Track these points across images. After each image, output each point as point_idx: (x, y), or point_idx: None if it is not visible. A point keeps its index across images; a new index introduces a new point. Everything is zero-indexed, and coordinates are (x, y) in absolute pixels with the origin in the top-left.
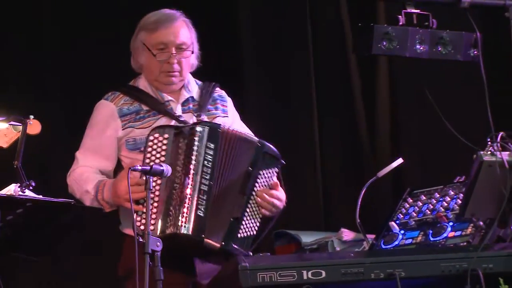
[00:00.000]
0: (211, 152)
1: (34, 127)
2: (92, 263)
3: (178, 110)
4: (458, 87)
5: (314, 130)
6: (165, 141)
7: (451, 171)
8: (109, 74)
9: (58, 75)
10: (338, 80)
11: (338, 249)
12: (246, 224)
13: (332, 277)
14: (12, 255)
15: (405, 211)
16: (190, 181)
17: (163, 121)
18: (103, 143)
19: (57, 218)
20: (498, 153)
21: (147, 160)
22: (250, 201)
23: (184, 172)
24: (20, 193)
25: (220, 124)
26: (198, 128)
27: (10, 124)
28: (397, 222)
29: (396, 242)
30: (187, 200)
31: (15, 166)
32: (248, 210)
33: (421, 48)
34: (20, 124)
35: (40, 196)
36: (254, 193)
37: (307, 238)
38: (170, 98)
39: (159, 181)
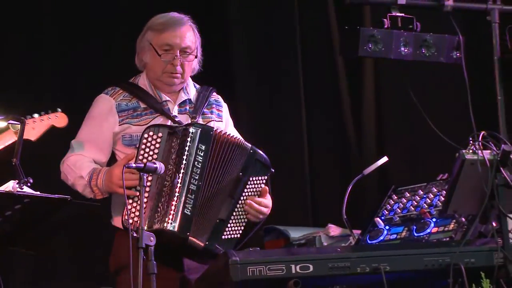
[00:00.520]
0: (202, 154)
1: (61, 119)
2: (87, 256)
3: (175, 111)
4: (441, 88)
5: (302, 129)
6: (158, 140)
7: (434, 169)
8: (106, 74)
9: (56, 74)
10: (325, 80)
11: (325, 244)
12: (231, 227)
13: (319, 271)
14: (10, 249)
15: (390, 207)
16: (179, 180)
17: (159, 120)
18: (100, 135)
19: (54, 213)
20: (479, 151)
21: (140, 157)
22: (238, 205)
23: (174, 171)
24: (18, 189)
25: (213, 127)
26: (191, 129)
27: (9, 123)
28: (382, 218)
29: (381, 238)
30: (175, 198)
31: (13, 164)
32: (234, 213)
33: (406, 50)
34: (19, 123)
35: (38, 193)
36: (242, 198)
37: (296, 233)
38: (167, 98)
39: (150, 178)
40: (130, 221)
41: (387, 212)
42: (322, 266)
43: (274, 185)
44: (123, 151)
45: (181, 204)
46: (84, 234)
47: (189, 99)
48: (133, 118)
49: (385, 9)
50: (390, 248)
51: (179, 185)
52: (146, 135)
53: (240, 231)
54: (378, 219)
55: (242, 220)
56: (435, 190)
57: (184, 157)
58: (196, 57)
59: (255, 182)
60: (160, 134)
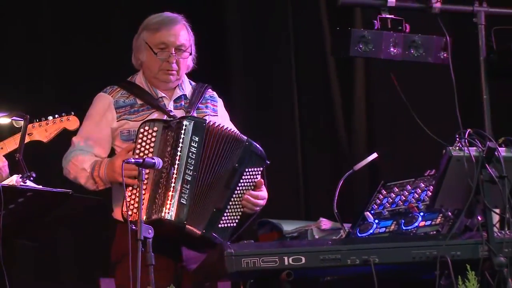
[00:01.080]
0: (195, 145)
1: (72, 122)
2: (88, 248)
3: (170, 106)
4: (429, 88)
5: (295, 126)
6: (154, 134)
7: (422, 165)
8: (107, 70)
9: (58, 69)
10: (317, 80)
11: (317, 237)
12: (227, 216)
13: (311, 263)
14: (14, 240)
15: (379, 202)
16: (175, 171)
17: (155, 115)
18: (99, 131)
19: (56, 206)
20: (465, 148)
21: (137, 151)
22: (234, 195)
23: (170, 163)
24: (22, 183)
25: (205, 120)
26: (185, 122)
27: (13, 119)
28: (372, 212)
29: (371, 231)
30: (171, 189)
31: (17, 159)
32: (231, 203)
33: (395, 50)
34: (22, 119)
35: (40, 186)
36: (238, 188)
37: (288, 226)
38: (163, 94)
39: (147, 170)
40: (130, 213)
41: (376, 207)
42: (314, 258)
43: (268, 180)
44: (121, 146)
45: (177, 194)
46: (85, 226)
47: (184, 95)
48: (130, 114)
49: (375, 11)
50: (379, 241)
51: (174, 176)
52: (142, 130)
53: (236, 220)
54: (368, 213)
55: (238, 210)
56: (423, 185)
57: (179, 149)
58: (190, 54)
59: (251, 173)
60: (155, 128)
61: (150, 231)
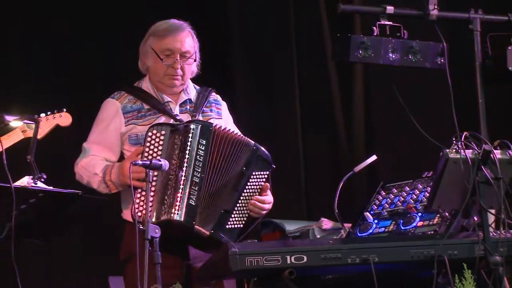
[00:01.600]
0: (203, 148)
1: (65, 119)
2: (97, 247)
3: (176, 110)
4: (426, 92)
5: (297, 129)
6: (162, 137)
7: (420, 167)
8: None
9: (68, 73)
10: (318, 84)
11: (318, 236)
12: (235, 217)
13: (312, 261)
14: (26, 240)
15: (378, 202)
16: (183, 174)
17: (162, 119)
18: (108, 136)
19: (66, 207)
20: (462, 151)
21: (146, 154)
22: (241, 198)
23: (178, 165)
24: (33, 184)
25: (212, 123)
26: (192, 126)
27: (24, 123)
28: (371, 212)
29: (370, 231)
30: (180, 190)
31: (28, 160)
32: (238, 205)
33: (393, 56)
34: (33, 122)
35: (51, 187)
36: (245, 191)
37: (291, 226)
38: (169, 99)
39: (155, 173)
40: (139, 214)
41: (375, 207)
42: (315, 257)
43: (271, 182)
44: (130, 150)
45: (186, 196)
46: (94, 226)
47: (190, 99)
48: (138, 119)
49: (374, 17)
50: (378, 241)
51: (183, 178)
52: (150, 134)
53: (243, 222)
54: (367, 213)
55: (245, 212)
56: (421, 186)
57: (187, 151)
58: (195, 60)
59: (257, 177)
60: (163, 132)
61: (157, 230)
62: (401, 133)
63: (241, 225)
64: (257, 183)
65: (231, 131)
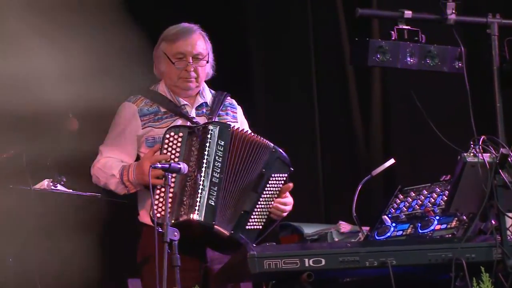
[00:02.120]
0: (221, 149)
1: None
2: (115, 249)
3: (193, 113)
4: (444, 96)
5: (315, 133)
6: (179, 139)
7: (437, 170)
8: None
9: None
10: (336, 88)
11: (336, 239)
12: (254, 218)
13: (331, 264)
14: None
15: (396, 206)
16: (202, 174)
17: (179, 122)
18: (125, 139)
19: (86, 209)
20: (480, 155)
21: (163, 156)
22: (261, 199)
23: (197, 166)
24: (53, 187)
25: (230, 124)
26: (210, 127)
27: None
28: (389, 216)
29: (388, 234)
30: (199, 191)
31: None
32: (257, 206)
33: (411, 60)
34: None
35: (70, 190)
36: (265, 193)
37: (309, 229)
38: (185, 102)
39: (173, 174)
40: (158, 215)
41: (393, 210)
42: (333, 260)
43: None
44: None
45: (205, 196)
46: (113, 228)
47: (205, 103)
48: (154, 122)
49: (392, 22)
50: (396, 244)
51: (202, 178)
52: (168, 136)
53: (262, 223)
54: (385, 216)
55: (264, 213)
56: (439, 190)
57: (206, 152)
58: (208, 62)
59: (276, 179)
60: (180, 134)
61: (176, 233)
62: (419, 137)
63: (260, 227)
64: (276, 185)
65: (249, 132)
